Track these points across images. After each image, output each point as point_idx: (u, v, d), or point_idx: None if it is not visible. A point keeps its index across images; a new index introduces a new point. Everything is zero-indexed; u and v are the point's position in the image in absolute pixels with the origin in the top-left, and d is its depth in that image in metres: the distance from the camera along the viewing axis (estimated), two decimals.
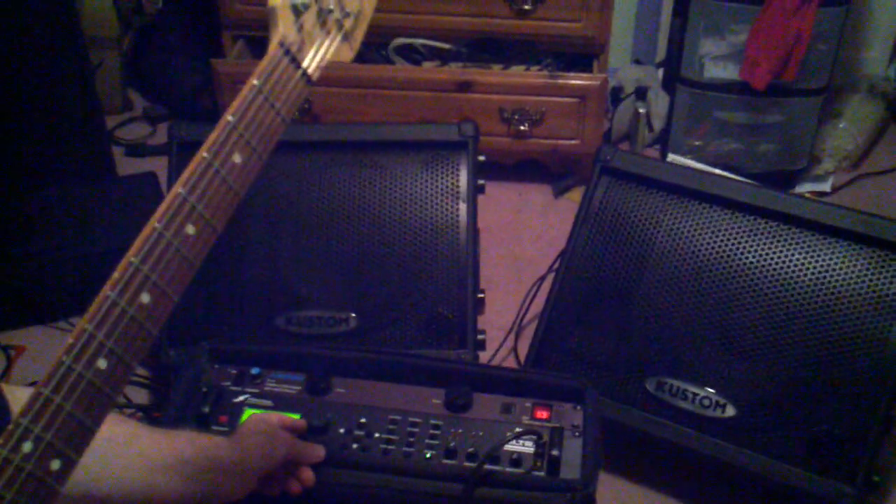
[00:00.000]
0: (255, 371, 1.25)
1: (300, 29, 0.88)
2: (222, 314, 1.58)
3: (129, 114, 2.59)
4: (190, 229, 0.80)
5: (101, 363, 0.75)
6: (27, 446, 0.71)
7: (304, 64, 0.89)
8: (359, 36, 0.97)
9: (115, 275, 0.77)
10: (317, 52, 0.91)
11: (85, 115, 2.05)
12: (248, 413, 1.20)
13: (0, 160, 1.89)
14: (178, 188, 0.80)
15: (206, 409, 1.18)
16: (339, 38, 0.94)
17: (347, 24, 0.94)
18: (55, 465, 0.73)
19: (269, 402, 1.22)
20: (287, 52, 0.87)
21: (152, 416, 1.59)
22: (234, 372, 1.26)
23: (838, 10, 2.07)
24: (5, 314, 1.82)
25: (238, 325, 1.58)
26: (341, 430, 1.18)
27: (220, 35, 2.30)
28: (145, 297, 0.78)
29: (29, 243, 1.85)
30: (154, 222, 0.79)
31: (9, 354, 1.75)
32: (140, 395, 1.67)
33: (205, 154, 0.82)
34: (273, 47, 0.86)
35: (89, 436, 0.76)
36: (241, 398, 1.22)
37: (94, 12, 2.43)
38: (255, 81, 0.85)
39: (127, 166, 2.29)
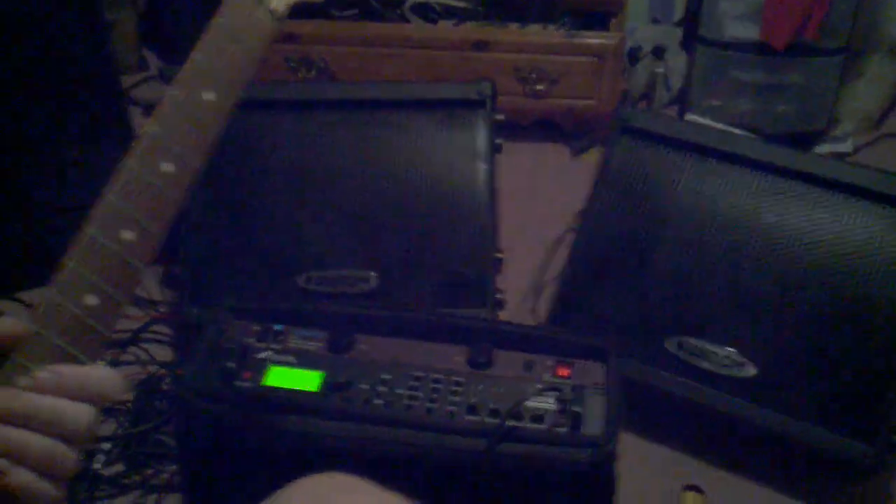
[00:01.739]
0: (277, 328, 1.26)
1: None
2: (243, 274, 1.59)
3: (144, 73, 2.59)
4: (166, 167, 0.81)
5: (90, 299, 0.76)
6: (23, 381, 0.73)
7: (269, 2, 0.90)
8: None
9: (95, 212, 0.78)
10: None
11: (101, 74, 2.05)
12: (271, 369, 1.21)
13: (16, 120, 1.89)
14: (149, 127, 0.81)
15: (231, 365, 1.18)
16: None
17: None
18: None
19: (291, 359, 1.22)
20: None
21: (175, 373, 1.60)
22: (257, 328, 1.26)
23: None
24: (25, 273, 1.83)
25: (259, 285, 1.58)
26: (364, 387, 1.18)
27: None
28: (127, 234, 0.79)
29: (47, 202, 1.86)
30: (129, 160, 0.80)
31: None
32: (164, 353, 1.68)
33: (174, 91, 0.83)
34: None
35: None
36: (264, 354, 1.23)
37: None
38: (219, 19, 0.86)
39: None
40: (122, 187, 0.79)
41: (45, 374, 0.73)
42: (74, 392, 0.73)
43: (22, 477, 0.70)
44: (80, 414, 0.73)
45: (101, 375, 0.76)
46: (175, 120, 0.82)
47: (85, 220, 0.77)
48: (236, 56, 0.87)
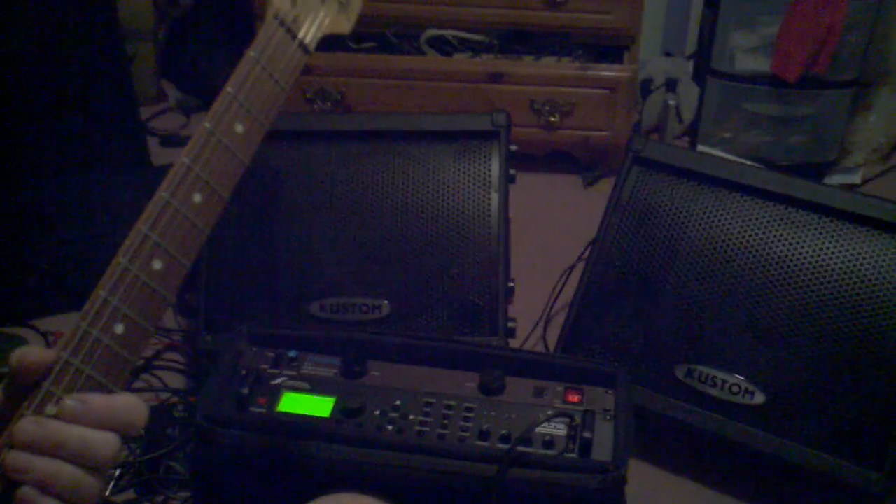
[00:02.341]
0: (292, 354, 1.28)
1: (294, 1, 0.92)
2: (257, 301, 1.61)
3: (163, 104, 2.63)
4: (196, 197, 0.84)
5: (118, 328, 0.78)
6: (52, 409, 0.74)
7: (300, 34, 0.92)
8: (356, 7, 1.01)
9: (127, 242, 0.80)
10: (312, 22, 0.94)
11: (122, 105, 2.08)
12: (285, 395, 1.22)
13: (39, 149, 1.93)
14: (183, 157, 0.83)
15: (245, 391, 1.20)
16: (335, 8, 0.97)
17: None
18: None
19: (305, 385, 1.24)
20: (282, 23, 0.91)
21: (188, 400, 1.61)
22: (271, 355, 1.28)
23: (870, 2, 2.07)
24: (44, 301, 1.86)
25: (273, 312, 1.60)
26: (377, 412, 1.20)
27: (254, 26, 2.33)
28: (157, 264, 0.81)
29: (66, 231, 1.88)
30: (161, 191, 0.82)
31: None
32: (177, 381, 1.70)
33: (207, 124, 0.85)
34: (268, 19, 0.90)
35: None
36: (278, 380, 1.24)
37: (131, 4, 2.46)
38: (252, 53, 0.88)
39: (161, 157, 2.33)
40: (155, 218, 0.81)
41: (72, 402, 0.74)
42: (101, 421, 0.75)
43: None
44: (107, 443, 0.75)
45: (127, 404, 0.77)
46: (207, 152, 0.85)
47: (117, 250, 0.79)
48: (267, 89, 0.89)
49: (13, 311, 1.84)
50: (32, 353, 0.75)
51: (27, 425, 0.73)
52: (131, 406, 0.77)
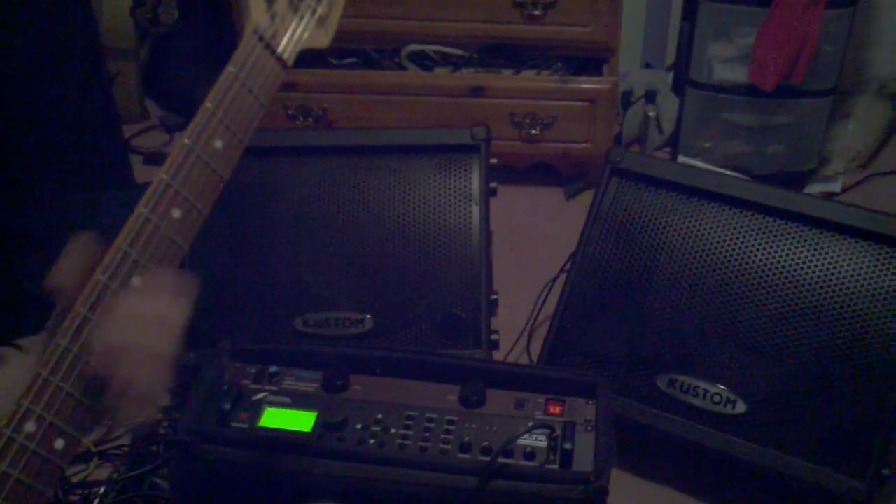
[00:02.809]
0: (273, 369, 1.28)
1: (273, 16, 0.92)
2: (240, 317, 1.61)
3: (145, 123, 2.63)
4: (176, 213, 0.84)
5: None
6: (30, 426, 0.74)
7: (279, 49, 0.92)
8: (333, 22, 1.01)
9: (106, 259, 0.80)
10: (291, 37, 0.94)
11: (104, 124, 2.08)
12: (267, 411, 1.22)
13: (22, 168, 1.92)
14: (162, 174, 0.84)
15: (227, 407, 1.20)
16: (313, 23, 0.97)
17: (321, 9, 0.98)
18: (59, 444, 0.77)
19: (287, 400, 1.24)
20: (261, 38, 0.91)
21: (172, 417, 1.61)
22: (253, 370, 1.28)
23: (846, 11, 2.09)
24: (26, 320, 1.85)
25: (256, 328, 1.60)
26: (358, 426, 1.20)
27: (236, 43, 2.33)
28: (136, 281, 0.82)
29: (49, 250, 1.88)
30: (140, 207, 0.82)
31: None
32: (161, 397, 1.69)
33: (186, 140, 0.86)
34: (247, 35, 0.90)
35: (88, 415, 0.80)
36: (260, 396, 1.25)
37: (112, 23, 2.47)
38: (231, 69, 0.89)
39: (145, 175, 2.32)
40: (134, 234, 0.82)
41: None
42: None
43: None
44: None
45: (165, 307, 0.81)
46: (186, 168, 0.85)
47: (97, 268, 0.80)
48: (246, 104, 0.90)
49: None
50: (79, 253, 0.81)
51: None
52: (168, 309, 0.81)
